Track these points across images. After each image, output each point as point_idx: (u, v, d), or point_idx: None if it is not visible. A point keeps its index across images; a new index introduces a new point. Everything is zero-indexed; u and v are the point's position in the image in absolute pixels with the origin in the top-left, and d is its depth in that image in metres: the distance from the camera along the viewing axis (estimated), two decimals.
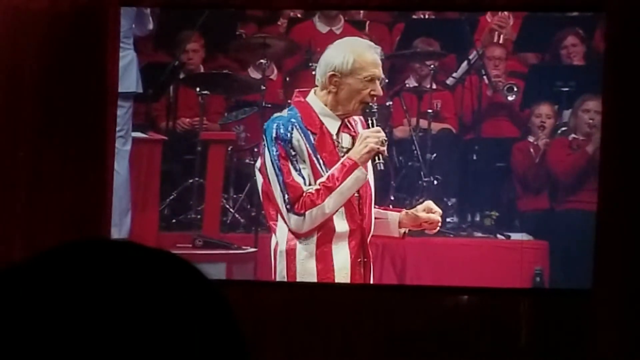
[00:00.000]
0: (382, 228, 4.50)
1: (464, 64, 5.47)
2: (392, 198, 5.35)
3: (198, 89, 5.48)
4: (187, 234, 5.37)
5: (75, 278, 0.86)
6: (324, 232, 4.38)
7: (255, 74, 5.53)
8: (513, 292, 5.22)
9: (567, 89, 5.32)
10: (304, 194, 4.32)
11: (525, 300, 5.19)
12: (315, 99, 4.40)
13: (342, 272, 4.42)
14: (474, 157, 5.35)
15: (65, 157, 5.38)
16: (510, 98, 5.42)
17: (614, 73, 5.14)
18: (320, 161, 4.36)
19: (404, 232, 4.51)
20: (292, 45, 5.58)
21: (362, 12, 5.56)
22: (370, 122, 4.41)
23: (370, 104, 4.43)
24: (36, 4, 5.39)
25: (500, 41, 5.46)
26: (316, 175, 4.36)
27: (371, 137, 4.35)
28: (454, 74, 5.49)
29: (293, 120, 4.37)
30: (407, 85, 5.50)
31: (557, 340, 5.16)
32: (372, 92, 4.37)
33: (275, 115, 4.52)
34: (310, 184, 4.37)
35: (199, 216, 5.41)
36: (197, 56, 5.53)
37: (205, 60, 5.54)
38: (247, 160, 5.45)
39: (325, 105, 4.38)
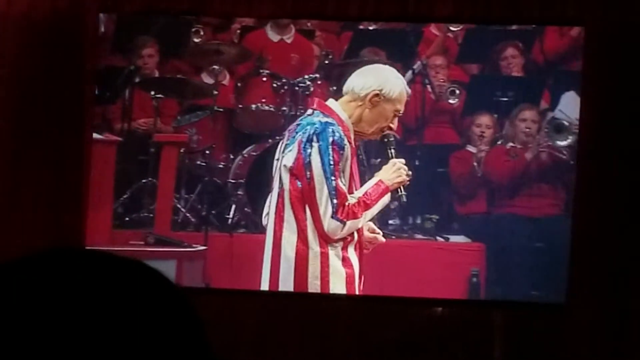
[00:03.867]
0: None
1: (409, 73, 5.69)
2: None
3: (153, 93, 5.68)
4: (140, 231, 5.56)
5: (46, 288, 0.86)
6: (349, 239, 4.46)
7: (208, 79, 5.74)
8: (486, 304, 5.38)
9: (505, 99, 5.56)
10: (348, 204, 4.39)
11: (499, 313, 5.32)
12: (340, 109, 4.45)
13: (357, 276, 4.52)
14: (417, 163, 5.57)
15: (43, 160, 5.49)
16: (452, 102, 5.65)
17: (592, 85, 5.32)
18: (353, 172, 4.46)
19: None
20: (244, 52, 5.79)
21: (310, 22, 5.79)
22: (391, 152, 4.54)
23: (389, 133, 4.56)
24: (16, 9, 5.49)
25: (444, 52, 5.70)
26: (350, 184, 4.44)
27: (402, 168, 4.52)
28: None
29: (337, 126, 4.38)
30: None
31: (531, 353, 5.27)
32: (391, 125, 4.52)
33: (311, 119, 4.43)
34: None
35: (151, 215, 5.60)
36: (152, 61, 5.73)
37: (160, 65, 5.73)
38: (198, 162, 5.66)
39: (350, 117, 4.45)
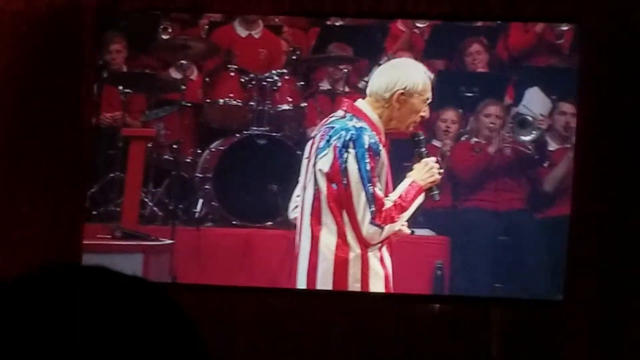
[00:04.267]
0: None
1: (375, 69, 5.75)
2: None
3: (121, 88, 5.71)
4: (107, 225, 5.59)
5: (48, 305, 0.86)
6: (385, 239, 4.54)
7: (176, 74, 5.77)
8: (484, 300, 5.42)
9: (470, 94, 5.62)
10: (385, 208, 4.43)
11: (497, 310, 5.37)
12: (371, 110, 4.48)
13: (391, 274, 4.61)
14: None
15: (41, 157, 5.51)
16: None
17: (588, 82, 5.34)
18: (388, 175, 4.50)
19: None
20: (212, 47, 5.83)
21: (278, 17, 5.84)
22: (422, 151, 4.60)
23: (419, 132, 4.64)
24: (13, 6, 5.50)
25: (410, 47, 5.76)
26: (387, 188, 4.48)
27: (435, 168, 4.57)
28: (366, 78, 5.77)
29: (371, 131, 4.42)
30: (321, 88, 5.77)
31: (528, 351, 5.31)
32: (423, 114, 4.55)
33: (338, 119, 4.49)
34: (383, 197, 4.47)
35: (118, 209, 5.64)
36: (120, 56, 5.76)
37: (128, 60, 5.77)
38: (166, 156, 5.70)
39: (380, 118, 4.47)
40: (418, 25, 5.74)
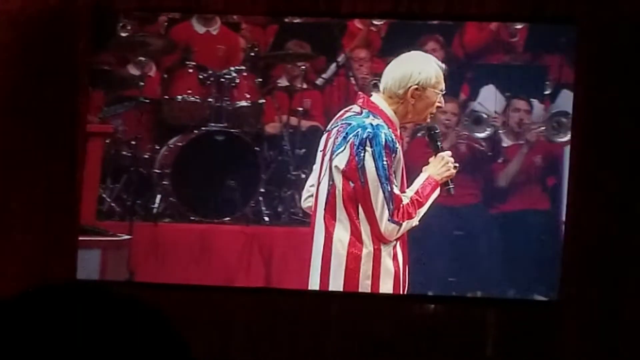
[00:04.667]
0: None
1: (333, 66, 5.81)
2: (263, 190, 5.69)
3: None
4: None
5: (42, 326, 0.88)
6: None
7: (134, 71, 5.80)
8: (479, 301, 5.45)
9: None
10: (402, 205, 4.44)
11: (492, 311, 5.40)
12: (386, 106, 4.48)
13: (403, 268, 4.60)
14: None
15: (35, 157, 5.53)
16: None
17: (585, 81, 5.38)
18: (404, 170, 4.50)
19: None
20: (170, 44, 5.86)
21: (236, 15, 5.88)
22: (438, 144, 4.62)
23: (435, 126, 4.70)
24: (8, 6, 5.51)
25: (367, 45, 5.82)
26: (402, 184, 4.49)
27: (450, 162, 4.58)
28: (324, 75, 5.83)
29: (389, 128, 4.43)
30: (279, 84, 5.83)
31: (523, 351, 5.35)
32: (439, 103, 4.57)
33: (354, 116, 4.49)
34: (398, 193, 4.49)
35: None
36: None
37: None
38: (124, 152, 5.72)
39: (396, 114, 4.48)
40: (375, 23, 5.80)
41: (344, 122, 4.51)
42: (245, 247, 5.38)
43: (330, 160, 4.45)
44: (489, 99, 5.58)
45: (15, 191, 5.54)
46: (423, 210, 4.48)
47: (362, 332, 5.43)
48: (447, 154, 4.58)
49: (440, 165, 4.55)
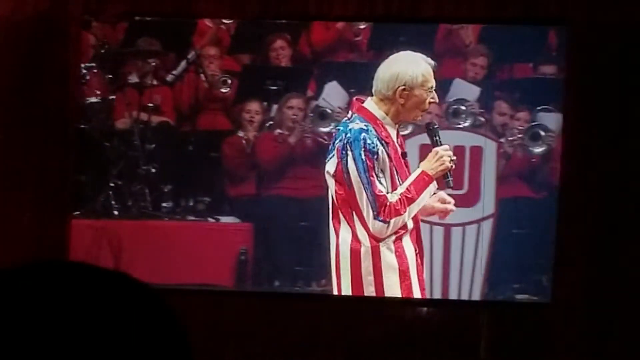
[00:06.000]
0: None
1: (183, 63, 5.91)
2: (112, 185, 5.76)
3: None
4: None
5: (30, 301, 0.86)
6: (401, 230, 4.64)
7: None
8: (472, 304, 5.50)
9: (275, 87, 5.84)
10: (388, 204, 4.56)
11: (485, 313, 5.46)
12: (376, 108, 4.63)
13: (412, 265, 4.68)
14: (190, 148, 5.81)
15: (27, 159, 5.54)
16: (224, 90, 5.90)
17: (575, 83, 5.44)
18: (394, 169, 4.61)
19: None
20: None
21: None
22: (436, 139, 4.71)
23: (434, 122, 4.82)
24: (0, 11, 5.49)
25: (217, 43, 5.94)
26: (393, 182, 4.60)
27: (445, 155, 4.66)
28: (174, 72, 5.93)
29: (370, 130, 4.57)
30: (130, 81, 5.89)
31: (516, 353, 5.41)
32: (431, 100, 4.66)
33: (345, 121, 4.69)
34: (387, 192, 4.61)
35: None
36: None
37: None
38: None
39: (387, 114, 4.62)
40: (224, 21, 5.92)
41: (336, 128, 4.77)
42: (95, 240, 5.44)
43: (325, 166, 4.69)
44: (333, 94, 5.76)
45: (7, 192, 5.58)
46: (417, 205, 4.61)
47: (355, 335, 5.50)
48: (442, 149, 4.70)
49: (434, 160, 4.67)
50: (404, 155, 4.70)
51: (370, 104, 4.67)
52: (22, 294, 0.87)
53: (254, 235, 5.69)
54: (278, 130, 5.81)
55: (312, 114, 5.78)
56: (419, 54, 4.77)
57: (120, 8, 5.74)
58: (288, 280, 5.69)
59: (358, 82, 5.75)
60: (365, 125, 4.59)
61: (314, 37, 5.90)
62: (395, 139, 4.65)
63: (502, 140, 5.63)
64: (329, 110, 5.75)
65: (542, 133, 5.60)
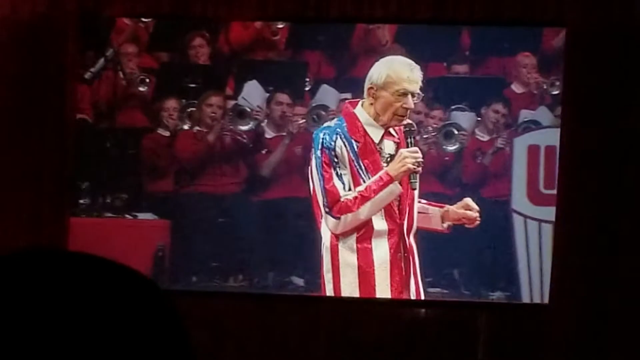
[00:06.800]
0: (425, 221, 4.89)
1: (101, 61, 5.89)
2: None
3: None
4: None
5: (25, 289, 0.86)
6: (365, 231, 4.74)
7: None
8: (471, 305, 5.51)
9: (193, 85, 5.86)
10: (342, 200, 4.69)
11: (483, 314, 5.47)
12: (362, 110, 4.78)
13: (382, 266, 4.76)
14: (108, 145, 5.80)
15: (25, 161, 5.50)
16: (142, 89, 5.91)
17: (572, 86, 5.46)
18: (362, 167, 4.72)
19: (448, 225, 4.90)
20: None
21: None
22: (409, 141, 4.78)
23: (411, 122, 4.83)
24: None
25: (135, 40, 5.94)
26: (356, 179, 4.73)
27: (409, 157, 4.73)
28: (92, 69, 5.92)
29: (339, 129, 4.74)
30: None
31: (514, 355, 5.42)
32: (404, 106, 4.72)
33: (325, 124, 4.92)
34: (350, 189, 4.73)
35: None
36: None
37: None
38: None
39: (370, 115, 4.74)
40: (143, 19, 5.92)
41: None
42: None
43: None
44: (252, 93, 5.80)
45: (5, 189, 5.55)
46: (372, 203, 4.70)
47: (352, 337, 5.51)
48: (408, 151, 4.76)
49: (397, 161, 4.75)
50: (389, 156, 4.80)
51: (359, 106, 4.81)
52: (20, 282, 0.87)
53: (172, 232, 5.71)
54: (197, 128, 5.83)
55: (231, 112, 5.82)
56: (405, 59, 4.87)
57: (117, 6, 5.75)
58: (206, 276, 5.72)
59: (277, 80, 5.81)
60: (336, 124, 4.79)
61: (232, 35, 5.94)
62: (376, 139, 4.76)
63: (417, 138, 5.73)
64: (248, 109, 5.79)
65: (455, 132, 5.72)
